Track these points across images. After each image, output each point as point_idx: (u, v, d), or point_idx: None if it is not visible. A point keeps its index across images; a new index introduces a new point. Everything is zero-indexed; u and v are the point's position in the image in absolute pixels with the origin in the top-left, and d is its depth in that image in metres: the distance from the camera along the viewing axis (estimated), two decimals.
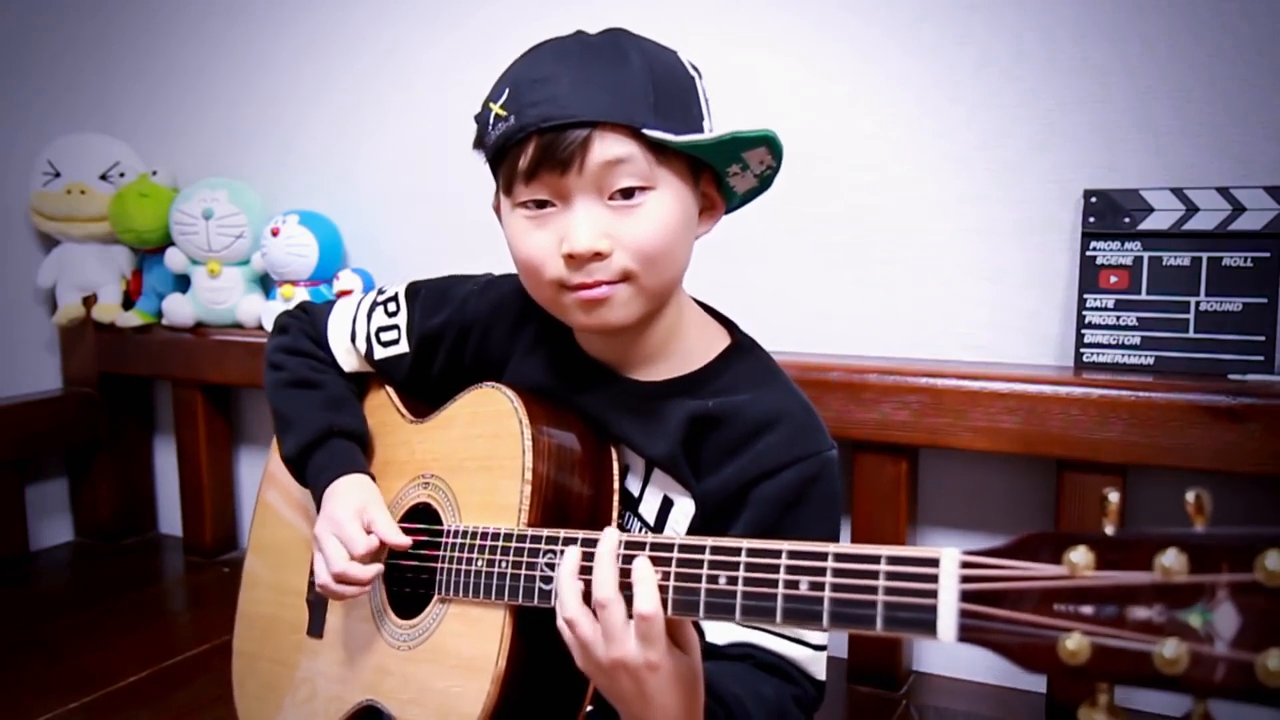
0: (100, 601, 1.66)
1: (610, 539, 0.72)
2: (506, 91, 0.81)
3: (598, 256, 0.79)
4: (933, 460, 1.36)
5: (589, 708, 0.84)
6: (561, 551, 0.76)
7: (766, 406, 0.87)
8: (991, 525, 1.35)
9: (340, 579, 0.89)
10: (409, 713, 0.87)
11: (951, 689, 1.33)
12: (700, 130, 0.83)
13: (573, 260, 0.79)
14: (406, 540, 0.90)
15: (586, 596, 0.72)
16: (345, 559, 0.89)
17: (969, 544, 1.48)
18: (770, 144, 0.82)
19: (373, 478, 0.97)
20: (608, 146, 0.77)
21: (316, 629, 1.01)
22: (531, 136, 0.78)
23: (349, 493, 0.94)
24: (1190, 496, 0.48)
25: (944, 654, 1.36)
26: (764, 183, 0.88)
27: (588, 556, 0.73)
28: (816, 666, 0.86)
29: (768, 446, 0.85)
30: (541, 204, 0.81)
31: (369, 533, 0.90)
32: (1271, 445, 1.06)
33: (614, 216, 0.79)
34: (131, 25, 1.96)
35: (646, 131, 0.77)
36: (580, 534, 0.77)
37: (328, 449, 0.98)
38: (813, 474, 0.85)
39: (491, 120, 0.81)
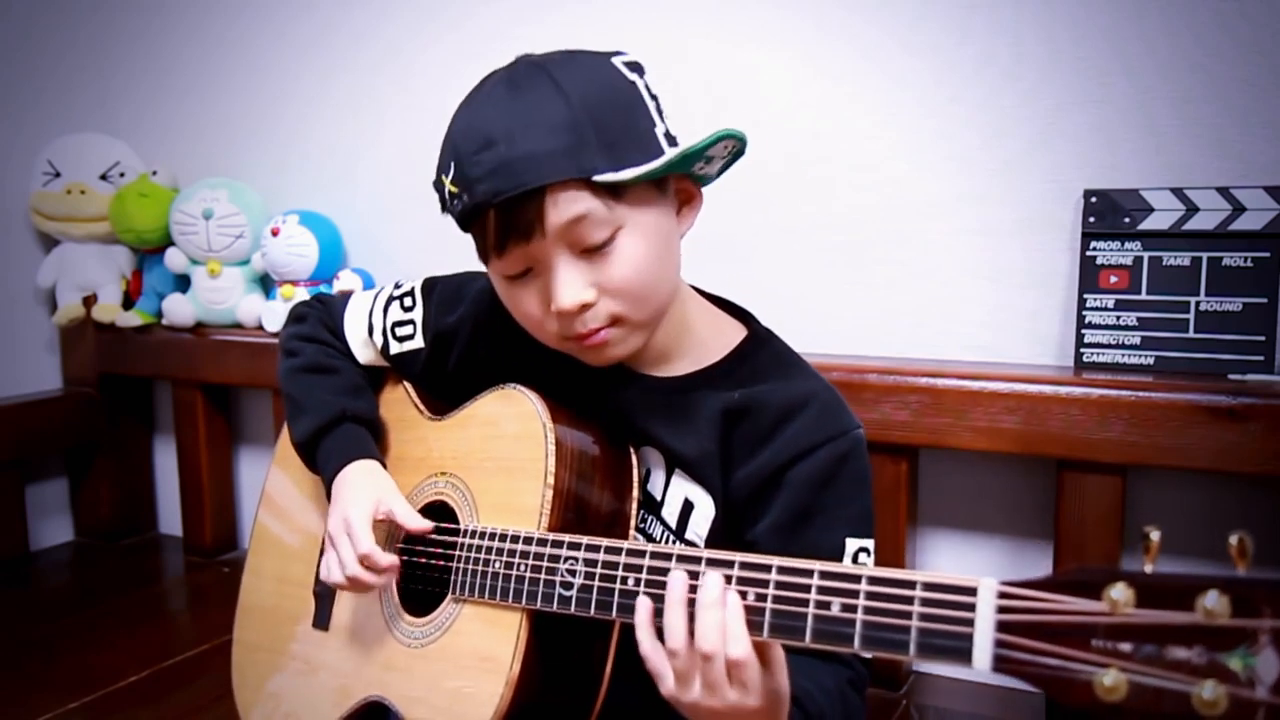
0: (100, 601, 1.65)
1: (679, 582, 0.70)
2: (452, 165, 0.79)
3: (585, 307, 0.80)
4: (933, 460, 1.36)
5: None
6: (656, 578, 0.73)
7: (792, 392, 0.87)
8: (991, 525, 1.34)
9: (354, 581, 0.89)
10: (416, 711, 0.86)
11: (951, 689, 1.33)
12: (653, 141, 0.81)
13: (563, 316, 0.80)
14: (428, 524, 0.90)
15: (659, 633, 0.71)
16: (356, 561, 0.89)
17: (968, 544, 1.48)
18: (721, 139, 0.79)
19: (383, 464, 0.97)
20: (563, 208, 0.76)
21: (322, 621, 1.00)
22: (487, 212, 0.78)
23: (361, 484, 0.93)
24: (1234, 540, 0.48)
25: None
26: (736, 156, 0.85)
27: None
28: None
29: (798, 429, 0.85)
30: (522, 273, 0.81)
31: (388, 521, 0.90)
32: (1271, 445, 1.06)
33: (591, 265, 0.80)
34: (131, 25, 1.95)
35: (598, 178, 0.76)
36: (603, 541, 0.77)
37: (340, 434, 0.98)
38: (844, 452, 0.86)
39: (448, 197, 0.81)
